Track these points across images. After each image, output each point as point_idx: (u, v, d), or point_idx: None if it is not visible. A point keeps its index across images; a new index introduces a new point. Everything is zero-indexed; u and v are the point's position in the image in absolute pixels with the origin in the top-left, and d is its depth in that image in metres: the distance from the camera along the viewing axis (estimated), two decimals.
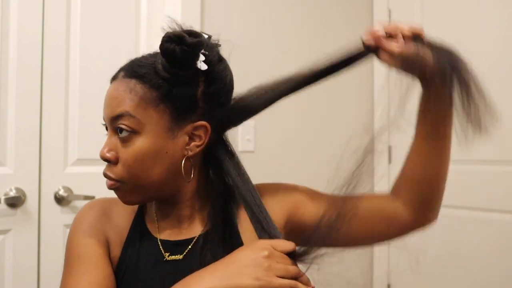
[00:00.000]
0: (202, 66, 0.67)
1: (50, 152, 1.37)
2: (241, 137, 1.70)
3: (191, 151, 0.70)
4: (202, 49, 0.67)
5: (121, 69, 0.72)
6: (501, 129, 1.96)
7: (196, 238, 0.73)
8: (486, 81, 1.97)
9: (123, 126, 0.67)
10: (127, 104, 0.67)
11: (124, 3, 1.52)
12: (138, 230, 0.75)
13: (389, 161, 2.15)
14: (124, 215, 0.77)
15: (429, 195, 0.77)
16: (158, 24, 1.56)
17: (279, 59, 1.88)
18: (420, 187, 0.76)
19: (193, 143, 0.70)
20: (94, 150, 1.41)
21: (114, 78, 0.72)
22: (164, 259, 0.72)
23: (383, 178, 2.16)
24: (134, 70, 0.69)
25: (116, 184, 0.69)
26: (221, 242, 0.70)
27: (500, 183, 1.80)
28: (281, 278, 0.61)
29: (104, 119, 0.71)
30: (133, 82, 0.68)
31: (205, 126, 0.69)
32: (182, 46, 0.64)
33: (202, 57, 0.67)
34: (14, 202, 1.29)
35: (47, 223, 1.36)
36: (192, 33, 0.66)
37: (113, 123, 0.68)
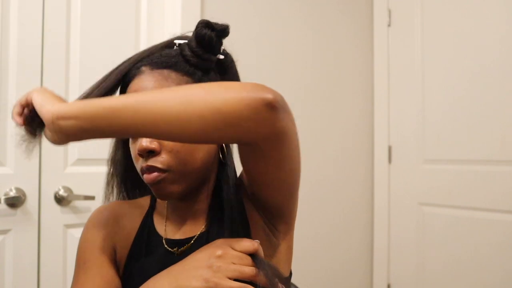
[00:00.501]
0: (221, 56, 0.72)
1: (50, 152, 1.37)
2: None
3: None
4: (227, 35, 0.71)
5: (141, 64, 0.71)
6: (502, 129, 1.98)
7: (198, 234, 0.73)
8: (486, 81, 1.98)
9: None
10: None
11: (124, 3, 1.52)
12: (146, 231, 0.76)
13: (389, 161, 2.15)
14: (133, 216, 0.78)
15: None
16: (158, 23, 1.57)
17: (279, 59, 1.88)
18: None
19: None
20: (94, 150, 1.42)
21: (136, 74, 0.70)
22: (170, 254, 0.72)
23: (383, 178, 2.16)
24: (162, 61, 0.70)
25: (162, 175, 0.66)
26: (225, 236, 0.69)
27: (500, 183, 1.80)
28: (232, 280, 0.59)
29: None
30: (166, 72, 0.69)
31: None
32: (214, 32, 0.69)
33: (222, 47, 0.72)
34: (14, 202, 1.29)
35: (47, 223, 1.36)
36: (219, 24, 0.70)
37: None
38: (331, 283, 2.02)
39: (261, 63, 1.81)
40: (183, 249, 0.72)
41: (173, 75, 0.69)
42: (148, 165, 0.66)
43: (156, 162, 0.66)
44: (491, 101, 1.83)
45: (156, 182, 0.67)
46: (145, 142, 0.66)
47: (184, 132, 0.54)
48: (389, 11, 2.17)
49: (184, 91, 0.56)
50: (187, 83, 0.69)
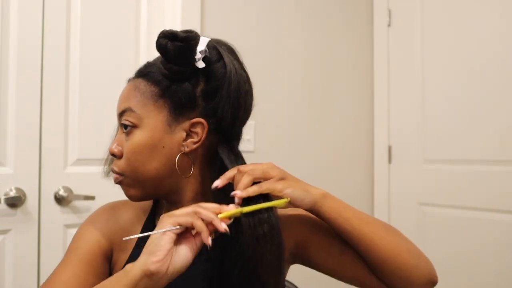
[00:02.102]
0: (200, 64, 0.70)
1: (50, 152, 1.37)
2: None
3: (187, 148, 0.71)
4: (195, 45, 0.69)
5: (135, 72, 0.76)
6: (502, 129, 1.97)
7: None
8: (486, 81, 1.98)
9: (125, 122, 0.72)
10: (130, 100, 0.72)
11: (124, 3, 1.52)
12: (148, 229, 0.76)
13: (389, 161, 2.15)
14: (135, 216, 0.80)
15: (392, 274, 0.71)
16: (158, 24, 1.57)
17: (279, 59, 1.88)
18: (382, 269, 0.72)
19: (190, 140, 0.71)
20: (94, 150, 1.42)
21: (128, 81, 0.76)
22: None
23: (383, 178, 2.16)
24: (142, 70, 0.74)
25: (119, 178, 0.73)
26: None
27: (500, 183, 1.80)
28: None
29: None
30: (139, 81, 0.73)
31: (202, 123, 0.71)
32: (174, 42, 0.68)
33: (199, 55, 0.70)
34: (14, 202, 1.29)
35: (47, 223, 1.36)
36: (187, 31, 0.69)
37: (119, 119, 0.74)
38: (331, 283, 2.01)
39: (261, 63, 1.81)
40: None
41: (142, 84, 0.72)
42: (111, 167, 0.75)
43: (115, 165, 0.73)
44: (491, 101, 1.83)
45: (118, 183, 0.74)
46: (112, 146, 0.73)
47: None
48: (389, 11, 2.17)
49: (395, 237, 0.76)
50: (152, 93, 0.71)
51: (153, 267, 0.57)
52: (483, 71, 1.86)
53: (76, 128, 1.42)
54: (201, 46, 0.70)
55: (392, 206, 2.14)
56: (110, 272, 0.77)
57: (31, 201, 1.33)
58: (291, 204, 0.68)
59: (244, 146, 2.01)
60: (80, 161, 1.42)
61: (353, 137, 2.16)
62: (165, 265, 0.58)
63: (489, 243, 1.81)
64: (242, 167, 0.68)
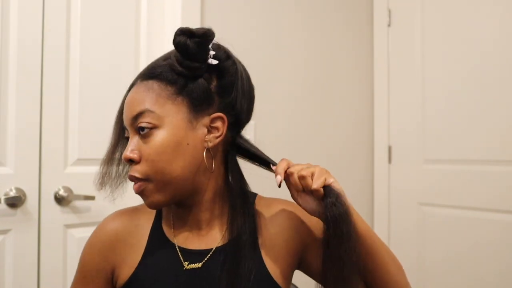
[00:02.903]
0: (213, 61, 0.71)
1: (50, 152, 1.37)
2: None
3: (210, 143, 0.71)
4: (211, 41, 0.70)
5: (138, 76, 0.74)
6: (502, 129, 1.97)
7: (214, 248, 0.74)
8: (486, 81, 1.98)
9: (143, 124, 0.69)
10: (146, 102, 0.70)
11: (124, 3, 1.52)
12: (157, 237, 0.76)
13: (389, 161, 2.15)
14: (141, 227, 0.79)
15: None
16: (158, 24, 1.57)
17: (278, 59, 1.88)
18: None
19: (212, 135, 0.72)
20: (94, 150, 1.42)
21: (132, 85, 0.74)
22: (184, 268, 0.73)
23: (383, 178, 2.16)
24: (150, 72, 0.73)
25: (143, 185, 0.70)
26: (241, 255, 0.70)
27: (500, 183, 1.80)
28: None
29: (124, 123, 0.73)
30: (150, 83, 0.71)
31: (221, 117, 0.72)
32: (193, 38, 0.68)
33: (212, 53, 0.71)
34: (14, 202, 1.29)
35: (47, 223, 1.36)
36: (201, 28, 0.70)
37: (134, 123, 0.70)
38: None
39: (260, 63, 1.81)
40: (197, 265, 0.73)
41: (156, 85, 0.71)
42: (130, 175, 0.71)
43: (134, 171, 0.70)
44: (491, 101, 1.83)
45: (139, 192, 0.71)
46: (127, 152, 0.70)
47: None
48: (389, 11, 2.17)
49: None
50: (169, 92, 0.70)
51: None
52: (483, 71, 1.86)
53: (76, 128, 1.42)
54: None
55: (392, 206, 2.14)
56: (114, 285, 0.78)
57: (31, 201, 1.33)
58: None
59: None
60: (80, 161, 1.42)
61: (353, 137, 2.16)
62: None
63: (489, 243, 1.81)
64: (289, 161, 0.73)
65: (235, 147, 0.77)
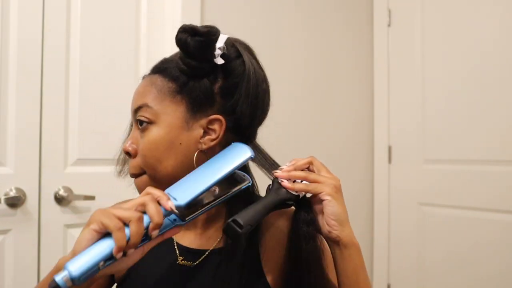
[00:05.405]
0: (219, 60, 0.69)
1: (50, 152, 1.37)
2: None
3: (204, 145, 0.69)
4: (215, 40, 0.68)
5: (151, 69, 0.75)
6: (502, 129, 1.97)
7: (210, 250, 0.72)
8: (486, 81, 1.98)
9: (141, 118, 0.69)
10: (147, 96, 0.70)
11: (125, 3, 1.52)
12: None
13: (389, 161, 2.15)
14: None
15: None
16: (158, 23, 1.57)
17: (278, 59, 1.88)
18: None
19: (207, 137, 0.70)
20: (94, 150, 1.42)
21: (143, 77, 0.75)
22: (177, 262, 0.72)
23: (383, 178, 2.16)
24: (158, 66, 0.73)
25: (142, 179, 0.70)
26: (235, 262, 0.68)
27: (500, 183, 1.80)
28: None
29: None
30: (155, 77, 0.71)
31: (220, 120, 0.69)
32: (195, 37, 0.66)
33: (218, 51, 0.68)
34: (14, 202, 1.29)
35: (47, 223, 1.36)
36: (207, 26, 0.67)
37: (135, 115, 0.72)
38: None
39: (260, 63, 1.81)
40: (190, 263, 0.72)
41: (159, 80, 0.70)
42: (129, 172, 0.72)
43: (131, 167, 0.71)
44: (491, 101, 1.83)
45: (139, 188, 0.71)
46: (126, 144, 0.71)
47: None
48: (389, 11, 2.17)
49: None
50: (169, 89, 0.69)
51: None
52: (483, 71, 1.86)
53: (76, 128, 1.42)
54: (220, 42, 0.69)
55: (392, 206, 2.14)
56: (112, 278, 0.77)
57: (31, 201, 1.33)
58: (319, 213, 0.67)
59: None
60: (80, 161, 1.42)
61: (353, 137, 2.16)
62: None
63: (489, 243, 1.81)
64: (315, 160, 0.71)
65: None
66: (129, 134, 0.76)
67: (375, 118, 2.20)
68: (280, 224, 0.74)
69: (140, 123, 0.70)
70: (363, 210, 2.17)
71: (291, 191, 0.66)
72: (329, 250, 0.68)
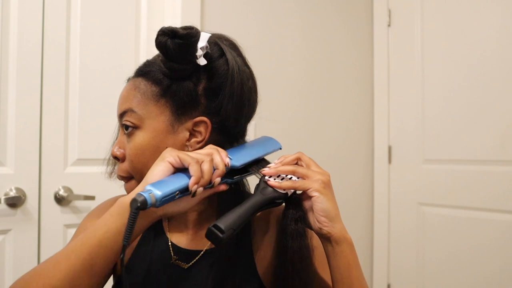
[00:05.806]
0: (201, 61, 0.68)
1: (50, 152, 1.37)
2: None
3: (191, 148, 0.69)
4: (196, 41, 0.66)
5: (134, 72, 0.74)
6: (502, 129, 1.97)
7: (204, 251, 0.72)
8: (486, 81, 1.98)
9: (126, 123, 0.69)
10: (131, 101, 0.69)
11: (125, 3, 1.52)
12: (152, 227, 0.75)
13: (389, 161, 2.15)
14: None
15: None
16: (158, 23, 1.57)
17: (278, 59, 1.88)
18: None
19: (193, 139, 0.69)
20: (94, 150, 1.42)
21: (128, 80, 0.74)
22: (171, 262, 0.72)
23: (383, 178, 2.16)
24: (141, 69, 0.72)
25: (130, 184, 0.71)
26: (228, 261, 0.68)
27: (500, 183, 1.80)
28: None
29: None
30: (139, 80, 0.71)
31: (205, 122, 0.68)
32: (174, 39, 0.64)
33: (200, 52, 0.67)
34: (14, 202, 1.29)
35: (47, 223, 1.36)
36: (187, 27, 0.66)
37: (120, 120, 0.71)
38: None
39: (260, 63, 1.81)
40: (184, 265, 0.72)
41: (142, 84, 0.70)
42: (117, 174, 0.73)
43: (119, 170, 0.72)
44: (491, 101, 1.83)
45: (129, 192, 0.70)
46: (114, 148, 0.71)
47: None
48: (389, 11, 2.17)
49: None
50: (153, 92, 0.68)
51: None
52: (482, 71, 1.86)
53: (76, 128, 1.42)
54: (202, 42, 0.67)
55: (392, 206, 2.14)
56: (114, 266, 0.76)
57: (31, 201, 1.33)
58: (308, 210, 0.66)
59: None
60: (80, 161, 1.42)
61: (353, 137, 2.16)
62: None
63: (489, 243, 1.81)
64: (303, 156, 0.69)
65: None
66: (117, 137, 0.75)
67: (375, 118, 2.20)
68: (272, 223, 0.74)
69: (126, 127, 0.69)
70: (363, 210, 2.17)
71: (278, 190, 0.65)
72: (322, 247, 0.67)
